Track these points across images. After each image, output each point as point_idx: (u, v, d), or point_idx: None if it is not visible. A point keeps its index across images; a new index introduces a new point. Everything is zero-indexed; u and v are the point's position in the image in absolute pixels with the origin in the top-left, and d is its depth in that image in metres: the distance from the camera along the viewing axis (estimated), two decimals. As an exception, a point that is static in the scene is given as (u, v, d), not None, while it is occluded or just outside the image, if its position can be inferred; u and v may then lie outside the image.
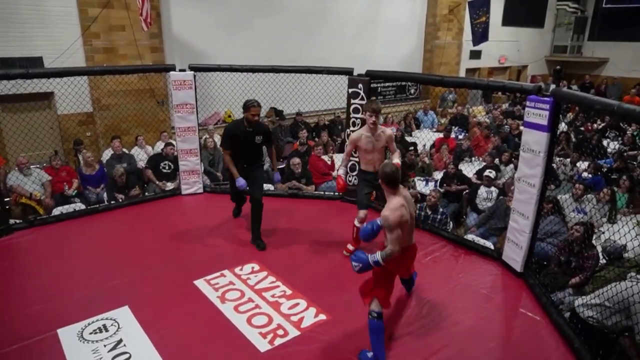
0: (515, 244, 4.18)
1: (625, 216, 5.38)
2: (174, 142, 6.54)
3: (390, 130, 4.28)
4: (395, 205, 2.88)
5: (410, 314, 3.63)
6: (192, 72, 5.72)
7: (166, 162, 6.45)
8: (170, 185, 6.35)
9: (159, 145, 7.29)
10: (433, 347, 3.25)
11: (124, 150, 6.83)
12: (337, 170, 4.41)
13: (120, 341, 3.21)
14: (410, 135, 9.06)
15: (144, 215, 5.49)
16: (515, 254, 4.20)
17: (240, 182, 4.41)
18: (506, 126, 9.27)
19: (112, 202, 5.82)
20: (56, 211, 5.41)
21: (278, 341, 3.27)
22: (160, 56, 7.90)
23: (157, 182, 6.31)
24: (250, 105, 4.34)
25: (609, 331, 3.18)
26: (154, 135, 7.64)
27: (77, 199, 5.92)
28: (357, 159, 5.78)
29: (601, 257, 4.21)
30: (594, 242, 4.35)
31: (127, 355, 3.07)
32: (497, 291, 4.07)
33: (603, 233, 4.71)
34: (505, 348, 3.30)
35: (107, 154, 6.82)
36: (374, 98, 4.75)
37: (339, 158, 7.05)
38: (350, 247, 4.46)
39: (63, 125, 7.35)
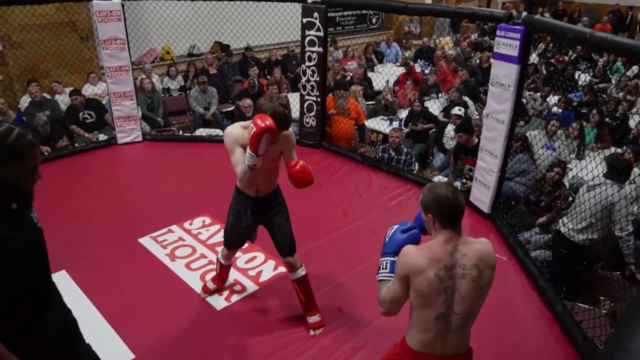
0: (482, 185, 4.36)
1: (593, 151, 5.68)
2: (85, 89, 6.24)
3: (292, 133, 2.75)
4: (420, 250, 1.84)
5: (377, 261, 3.76)
6: (120, 0, 5.37)
7: (84, 111, 6.14)
8: (102, 136, 6.11)
9: (88, 89, 6.94)
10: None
11: (45, 95, 6.46)
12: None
13: (59, 308, 3.17)
14: (372, 71, 9.01)
15: (76, 169, 5.31)
16: (482, 195, 4.39)
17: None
18: (475, 59, 9.37)
19: (37, 155, 5.56)
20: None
21: (235, 297, 3.34)
22: (80, -19, 7.31)
23: (86, 135, 6.05)
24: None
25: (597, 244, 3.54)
26: (80, 77, 7.23)
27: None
28: (313, 98, 5.74)
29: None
30: (563, 180, 4.59)
31: (68, 323, 3.05)
32: (465, 232, 4.23)
33: (571, 169, 4.96)
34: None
35: (25, 101, 6.42)
36: (280, 95, 2.87)
37: (293, 97, 6.96)
38: (210, 285, 3.37)
39: (-33, 67, 6.80)
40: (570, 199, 4.38)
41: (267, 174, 2.76)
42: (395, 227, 2.03)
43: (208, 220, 4.29)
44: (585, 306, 3.23)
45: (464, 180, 5.10)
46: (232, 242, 3.10)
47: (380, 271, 1.97)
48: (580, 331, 2.98)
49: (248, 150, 2.45)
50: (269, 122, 2.38)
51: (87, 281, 3.44)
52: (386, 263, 1.97)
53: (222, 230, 4.05)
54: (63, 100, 6.35)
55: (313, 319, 3.05)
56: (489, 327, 3.13)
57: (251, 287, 3.45)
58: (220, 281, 3.39)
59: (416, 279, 1.80)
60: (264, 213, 2.90)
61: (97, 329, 3.00)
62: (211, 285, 3.37)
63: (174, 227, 4.18)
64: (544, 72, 8.78)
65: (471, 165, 5.01)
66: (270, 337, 3.01)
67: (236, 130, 2.61)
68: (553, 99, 7.24)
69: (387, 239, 2.01)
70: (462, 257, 1.81)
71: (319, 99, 5.73)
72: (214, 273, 3.45)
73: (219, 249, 3.68)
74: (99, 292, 3.33)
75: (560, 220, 3.83)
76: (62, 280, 3.43)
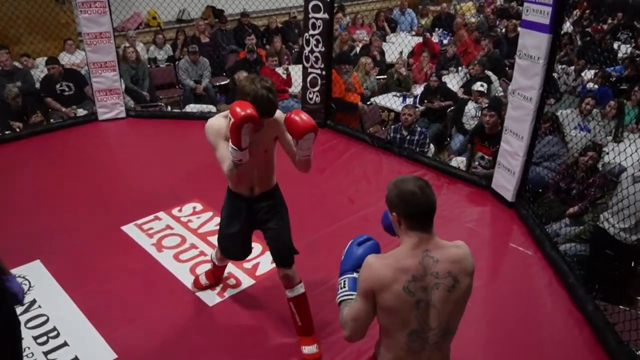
0: (506, 170, 4.33)
1: (634, 133, 5.63)
2: (61, 58, 6.26)
3: (280, 114, 2.57)
4: (385, 260, 1.74)
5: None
6: (100, -43, 5.32)
7: (63, 82, 6.11)
8: (81, 111, 6.10)
9: (64, 58, 6.90)
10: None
11: (16, 64, 6.43)
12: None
13: (33, 302, 3.20)
14: (384, 41, 8.93)
15: (52, 148, 5.31)
16: (506, 182, 4.36)
17: None
18: (500, 27, 9.25)
19: (7, 132, 5.56)
20: None
21: (229, 292, 3.35)
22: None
23: (63, 109, 6.03)
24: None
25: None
26: (55, 45, 7.20)
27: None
28: (317, 71, 5.70)
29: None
30: (598, 165, 4.56)
31: (43, 318, 3.08)
32: (485, 224, 4.28)
33: (607, 153, 4.92)
34: (492, 287, 3.52)
35: (-7, 70, 6.40)
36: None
37: (296, 70, 6.92)
38: (203, 280, 3.37)
39: None
40: (607, 188, 4.35)
41: (262, 167, 2.64)
42: (350, 242, 1.98)
43: (199, 207, 4.29)
44: (621, 307, 3.22)
45: (476, 164, 5.07)
46: (229, 251, 3.00)
47: (339, 291, 1.87)
48: (614, 334, 2.97)
49: (230, 144, 2.33)
50: (249, 110, 2.24)
51: (64, 273, 3.45)
52: (345, 281, 1.88)
53: (215, 218, 4.08)
54: (39, 77, 6.31)
55: (309, 349, 2.86)
56: (512, 327, 3.14)
57: (247, 281, 3.46)
58: (214, 278, 3.35)
59: (382, 295, 1.69)
60: (260, 215, 2.76)
61: (75, 325, 3.03)
62: (204, 281, 3.34)
63: (161, 214, 4.18)
64: (579, 42, 8.67)
65: (486, 153, 4.98)
66: (266, 336, 3.02)
67: (217, 122, 2.50)
68: (588, 74, 7.16)
69: (343, 257, 1.95)
70: (433, 264, 1.70)
71: (323, 72, 5.69)
72: (207, 265, 3.46)
73: (212, 239, 3.69)
74: (77, 285, 3.34)
75: (602, 215, 3.78)
76: (37, 271, 3.45)
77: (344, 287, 1.87)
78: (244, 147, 2.31)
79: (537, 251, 3.88)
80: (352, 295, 1.83)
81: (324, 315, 3.09)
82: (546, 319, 3.29)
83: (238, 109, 2.24)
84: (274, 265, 3.56)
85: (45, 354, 2.83)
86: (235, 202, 2.76)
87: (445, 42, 8.88)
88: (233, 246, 2.93)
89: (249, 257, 3.29)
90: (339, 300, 1.87)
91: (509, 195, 4.36)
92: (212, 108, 6.39)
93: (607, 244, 3.63)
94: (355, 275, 1.85)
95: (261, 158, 2.58)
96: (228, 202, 2.82)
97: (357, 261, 1.86)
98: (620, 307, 3.23)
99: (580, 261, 3.78)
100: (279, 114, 2.52)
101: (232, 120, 2.25)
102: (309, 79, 5.81)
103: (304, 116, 2.35)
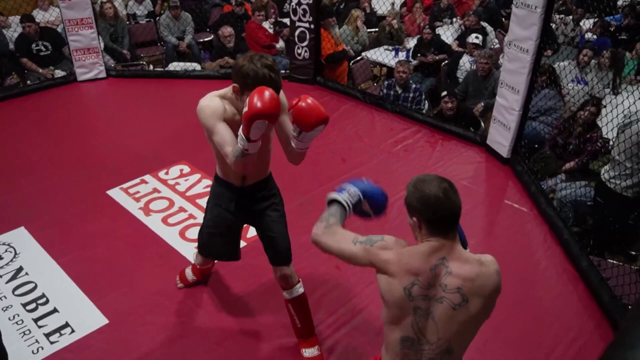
0: (502, 125, 4.34)
1: (632, 85, 5.63)
2: (34, 15, 6.13)
3: (284, 98, 2.34)
4: (399, 253, 1.67)
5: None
6: None
7: (39, 42, 5.97)
8: (59, 72, 5.99)
9: (37, 16, 6.73)
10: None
11: (-13, 23, 6.28)
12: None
13: (20, 269, 3.22)
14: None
15: (29, 111, 5.25)
16: (501, 137, 4.38)
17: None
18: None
19: (-18, 95, 5.48)
20: None
21: (220, 256, 3.39)
22: None
23: (40, 70, 5.92)
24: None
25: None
26: (27, 1, 7.01)
27: None
28: (305, 24, 5.60)
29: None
30: (597, 120, 4.57)
31: (31, 285, 3.11)
32: (480, 181, 4.32)
33: (604, 106, 4.93)
34: (487, 245, 3.58)
35: (-37, 30, 6.24)
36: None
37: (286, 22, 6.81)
38: (189, 275, 3.14)
39: None
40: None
41: (259, 155, 2.23)
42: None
43: (186, 169, 4.29)
44: (614, 262, 3.30)
45: None
46: (210, 250, 2.77)
47: (341, 193, 1.89)
48: (607, 289, 3.06)
49: (240, 132, 2.02)
50: (270, 103, 1.92)
51: (50, 239, 3.47)
52: (354, 191, 1.89)
53: (203, 180, 4.08)
54: (12, 37, 6.16)
55: (310, 352, 2.70)
56: (507, 283, 3.19)
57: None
58: (202, 275, 3.15)
59: (381, 278, 1.66)
60: (252, 207, 2.53)
61: (64, 291, 3.06)
62: (190, 276, 3.13)
63: (147, 177, 4.18)
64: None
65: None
66: (260, 298, 3.07)
67: (212, 103, 2.22)
68: (587, 24, 7.10)
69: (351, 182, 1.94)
70: (445, 276, 1.59)
71: (312, 26, 5.60)
72: (195, 229, 3.45)
73: (201, 201, 3.69)
74: (63, 251, 3.36)
75: (602, 169, 3.82)
76: (21, 239, 3.46)
77: (351, 200, 1.88)
78: (253, 140, 2.02)
79: (533, 208, 3.94)
80: (349, 210, 1.88)
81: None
82: (541, 276, 3.37)
83: (258, 102, 1.91)
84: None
85: (35, 320, 2.87)
86: (224, 192, 2.51)
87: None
88: (221, 246, 2.69)
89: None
90: (335, 198, 1.89)
91: (504, 151, 4.38)
92: (197, 66, 6.30)
93: (605, 196, 3.68)
94: (364, 201, 1.91)
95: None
96: (216, 193, 2.55)
97: (369, 192, 1.91)
98: (614, 261, 3.31)
99: (577, 207, 3.82)
100: (281, 97, 2.24)
101: (247, 110, 1.94)
102: (296, 34, 5.73)
103: (315, 104, 2.06)
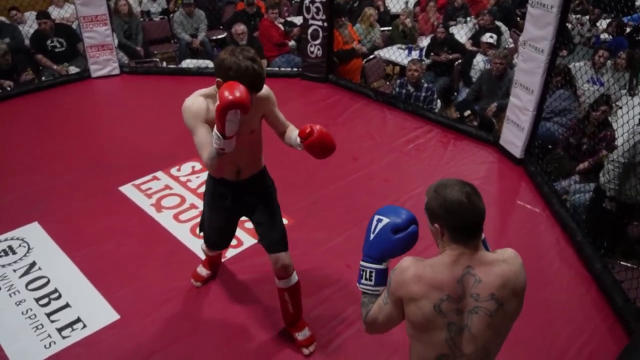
0: (515, 125, 4.32)
1: (648, 86, 5.56)
2: (50, 12, 6.18)
3: (269, 90, 2.39)
4: (421, 269, 1.57)
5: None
6: None
7: (54, 38, 6.02)
8: (73, 69, 6.04)
9: (53, 13, 6.79)
10: (416, 248, 3.45)
11: (3, 19, 6.34)
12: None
13: (33, 264, 3.26)
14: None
15: (44, 107, 5.30)
16: (515, 137, 4.35)
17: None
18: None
19: (-2, 90, 5.54)
20: None
21: (231, 252, 3.40)
22: None
23: (55, 66, 5.97)
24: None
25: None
26: (43, -2, 7.07)
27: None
28: (318, 22, 5.60)
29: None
30: (610, 118, 4.53)
31: (44, 280, 3.14)
32: (493, 182, 4.29)
33: (620, 108, 4.88)
34: (500, 245, 3.51)
35: (-21, 26, 6.32)
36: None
37: (297, 22, 6.81)
38: (202, 271, 3.19)
39: None
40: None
41: (249, 149, 2.39)
42: (385, 220, 1.68)
43: (198, 166, 4.30)
44: (628, 264, 3.27)
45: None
46: (214, 242, 2.87)
47: (361, 280, 1.71)
48: (621, 292, 3.03)
49: (215, 130, 2.04)
50: (238, 92, 1.93)
51: (63, 234, 3.50)
52: (370, 272, 1.69)
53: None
54: (27, 33, 6.22)
55: (302, 334, 2.75)
56: (518, 286, 3.19)
57: (248, 240, 3.50)
58: (213, 266, 3.21)
59: (409, 307, 1.56)
60: (247, 199, 2.55)
61: (76, 286, 3.09)
62: (203, 271, 3.17)
63: (159, 174, 4.20)
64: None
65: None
66: (270, 297, 3.07)
67: (196, 103, 2.23)
68: (604, 24, 7.03)
69: (371, 232, 1.69)
70: (475, 285, 1.53)
71: (325, 24, 5.60)
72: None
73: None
74: (76, 247, 3.39)
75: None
76: (35, 234, 3.50)
77: (369, 279, 1.69)
78: (229, 136, 2.02)
79: (545, 208, 3.91)
80: (377, 291, 1.69)
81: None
82: (554, 277, 3.34)
83: (226, 92, 1.94)
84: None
85: (48, 315, 2.90)
86: (218, 188, 2.52)
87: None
88: (218, 237, 2.79)
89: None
90: (362, 290, 1.72)
91: (517, 152, 4.35)
92: (209, 63, 6.32)
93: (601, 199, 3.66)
94: (383, 267, 1.69)
95: (247, 139, 2.33)
96: (210, 188, 2.58)
97: (389, 252, 1.68)
98: (628, 264, 3.27)
99: (588, 212, 3.79)
100: (265, 90, 2.28)
101: (219, 103, 1.96)
102: (309, 32, 5.73)
103: (327, 144, 2.34)
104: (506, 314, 1.55)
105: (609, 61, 5.49)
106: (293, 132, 2.43)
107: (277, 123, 2.46)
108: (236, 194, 2.52)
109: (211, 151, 2.12)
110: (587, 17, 7.09)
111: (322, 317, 2.94)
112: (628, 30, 6.96)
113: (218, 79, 2.11)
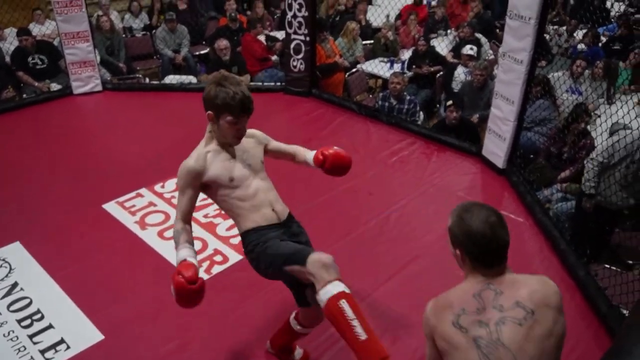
0: (497, 136, 4.36)
1: (626, 95, 5.66)
2: (31, 29, 6.21)
3: (252, 132, 2.40)
4: (437, 301, 1.61)
5: (375, 225, 3.81)
6: None
7: (35, 55, 5.99)
8: (55, 86, 6.01)
9: (34, 30, 6.75)
10: (403, 259, 3.48)
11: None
12: (179, 252, 2.23)
13: (15, 285, 3.21)
14: (370, 3, 8.82)
15: (25, 125, 5.25)
16: (497, 148, 4.40)
17: None
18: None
19: (-22, 109, 5.48)
20: None
21: (216, 269, 3.39)
22: None
23: (36, 84, 5.94)
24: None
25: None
26: (23, 15, 7.03)
27: None
28: (301, 37, 5.63)
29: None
30: (589, 127, 4.60)
31: (26, 301, 3.09)
32: (476, 192, 4.32)
33: (599, 116, 4.96)
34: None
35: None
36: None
37: (279, 36, 6.83)
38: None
39: None
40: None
41: (269, 187, 2.35)
42: None
43: (182, 182, 4.28)
44: (613, 268, 3.30)
45: None
46: (300, 253, 2.19)
47: None
48: (605, 299, 3.06)
49: (178, 254, 2.17)
50: (188, 273, 2.04)
51: (46, 253, 3.46)
52: None
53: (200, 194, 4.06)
54: (8, 50, 6.18)
55: (297, 353, 2.77)
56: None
57: (234, 257, 3.48)
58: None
59: (437, 339, 1.56)
60: (293, 229, 2.42)
61: (59, 307, 3.05)
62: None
63: (143, 191, 4.18)
64: (572, 0, 8.63)
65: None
66: (256, 313, 3.06)
67: (197, 166, 2.22)
68: (581, 34, 7.16)
69: None
70: (496, 296, 1.49)
71: (307, 38, 5.63)
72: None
73: (196, 214, 3.68)
74: (59, 266, 3.35)
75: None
76: (17, 254, 3.45)
77: None
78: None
79: (529, 218, 3.94)
80: None
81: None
82: (538, 286, 3.36)
83: (175, 295, 2.05)
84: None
85: (30, 337, 2.85)
86: (269, 233, 2.29)
87: (433, 3, 8.80)
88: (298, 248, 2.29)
89: (236, 233, 3.32)
90: None
91: (499, 162, 4.39)
92: (192, 79, 6.32)
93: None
94: None
95: (263, 178, 2.34)
96: (262, 239, 2.28)
97: None
98: (613, 268, 3.31)
99: (571, 219, 3.85)
100: (249, 133, 2.31)
101: (172, 288, 2.07)
102: (292, 46, 5.76)
103: (344, 164, 2.68)
104: (541, 323, 1.47)
105: (586, 71, 5.59)
106: (306, 155, 2.57)
107: (280, 154, 2.53)
108: (287, 231, 2.37)
109: (181, 226, 2.23)
110: (564, 28, 7.21)
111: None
112: (604, 40, 7.10)
113: (209, 112, 2.14)
